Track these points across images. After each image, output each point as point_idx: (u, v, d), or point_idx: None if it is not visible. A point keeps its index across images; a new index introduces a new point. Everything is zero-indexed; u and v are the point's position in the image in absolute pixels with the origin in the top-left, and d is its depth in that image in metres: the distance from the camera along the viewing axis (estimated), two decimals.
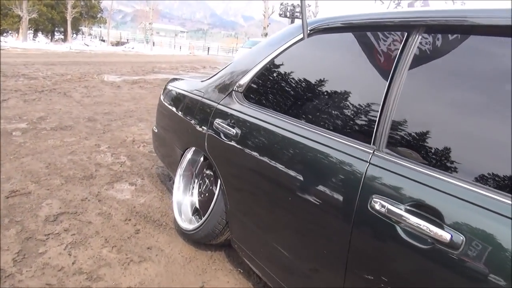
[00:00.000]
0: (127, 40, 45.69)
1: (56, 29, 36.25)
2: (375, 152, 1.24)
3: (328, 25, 1.70)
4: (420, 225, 1.04)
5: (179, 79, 2.98)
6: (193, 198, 2.44)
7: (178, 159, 2.50)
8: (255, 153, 1.72)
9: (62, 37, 34.73)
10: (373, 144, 1.27)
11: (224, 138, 1.92)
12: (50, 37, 35.35)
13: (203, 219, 2.10)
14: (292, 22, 49.33)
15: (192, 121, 2.29)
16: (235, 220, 1.93)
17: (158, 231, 2.40)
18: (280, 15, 48.91)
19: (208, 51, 43.88)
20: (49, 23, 33.59)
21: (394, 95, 1.26)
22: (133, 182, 3.13)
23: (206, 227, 2.07)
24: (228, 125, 1.92)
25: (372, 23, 1.51)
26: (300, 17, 1.69)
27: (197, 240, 2.22)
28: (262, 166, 1.68)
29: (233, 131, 1.86)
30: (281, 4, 48.29)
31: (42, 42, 29.73)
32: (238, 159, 1.85)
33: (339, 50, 1.69)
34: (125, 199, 2.79)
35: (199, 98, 2.32)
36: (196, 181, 2.46)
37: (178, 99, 2.67)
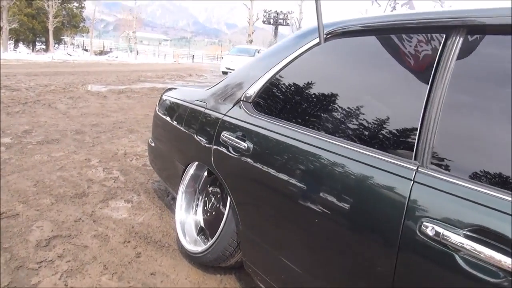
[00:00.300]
0: (111, 49, 45.15)
1: (38, 39, 35.59)
2: (419, 169, 1.10)
3: (346, 28, 1.57)
4: (486, 254, 0.90)
5: (175, 88, 2.83)
6: (197, 216, 2.27)
7: (179, 174, 2.33)
8: (270, 169, 1.57)
9: (44, 47, 34.13)
10: (415, 159, 1.14)
11: (234, 153, 1.77)
12: (31, 47, 34.70)
13: (212, 240, 1.94)
14: (276, 29, 49.59)
15: (195, 134, 2.13)
16: (248, 241, 1.77)
17: (161, 253, 2.22)
18: (263, 22, 49.12)
19: (193, 59, 43.68)
20: (30, 33, 32.97)
21: (438, 103, 1.13)
22: (128, 199, 2.95)
23: (215, 250, 1.91)
24: (237, 138, 1.77)
25: (399, 25, 1.38)
26: (316, 20, 1.55)
27: (205, 263, 2.05)
28: (279, 183, 1.53)
29: (244, 144, 1.71)
30: (265, 11, 48.54)
31: (23, 53, 29.14)
32: (251, 175, 1.69)
33: (361, 55, 1.56)
34: (122, 219, 2.61)
35: (202, 109, 2.17)
36: (200, 198, 2.29)
37: (176, 111, 2.51)
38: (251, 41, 37.78)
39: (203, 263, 2.06)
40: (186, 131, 2.24)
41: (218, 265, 2.01)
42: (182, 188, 2.30)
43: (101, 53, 38.93)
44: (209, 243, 1.96)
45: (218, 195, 2.12)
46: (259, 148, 1.66)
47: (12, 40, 32.62)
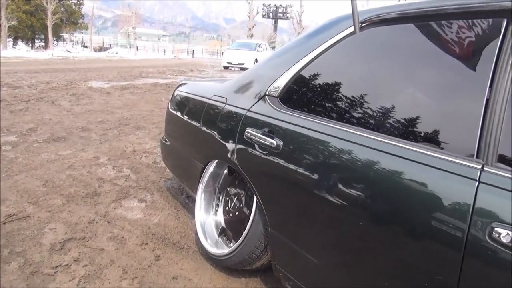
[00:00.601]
0: (110, 45, 44.91)
1: (37, 36, 35.37)
2: (484, 168, 1.00)
3: (383, 16, 1.47)
4: None
5: (188, 83, 2.72)
6: (218, 217, 2.17)
7: (197, 173, 2.23)
8: (303, 167, 1.47)
9: (43, 44, 33.91)
10: (477, 157, 1.03)
11: (261, 151, 1.67)
12: (30, 45, 34.45)
13: (238, 243, 1.84)
14: (276, 23, 49.37)
15: (215, 131, 2.03)
16: (278, 244, 1.68)
17: (181, 255, 2.13)
18: (263, 16, 48.91)
19: (193, 54, 43.46)
20: (29, 30, 32.73)
21: (503, 95, 1.03)
22: (142, 198, 2.85)
23: (241, 252, 1.81)
24: (264, 135, 1.67)
25: (444, 10, 1.27)
26: (350, 9, 1.44)
27: (229, 266, 1.96)
28: (313, 183, 1.43)
29: (272, 142, 1.60)
30: (264, 5, 48.30)
31: (22, 50, 28.91)
32: (281, 174, 1.59)
33: (403, 45, 1.45)
34: (137, 219, 2.51)
35: (222, 104, 2.06)
36: (220, 197, 2.19)
37: (192, 107, 2.40)
38: (251, 36, 37.57)
39: (227, 266, 1.97)
40: (205, 128, 2.14)
41: (243, 268, 1.91)
42: (201, 187, 2.20)
43: (101, 49, 38.70)
44: (234, 246, 1.86)
45: (242, 195, 2.02)
46: (290, 145, 1.55)
47: (11, 37, 32.41)
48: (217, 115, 2.06)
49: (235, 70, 20.51)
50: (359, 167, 1.28)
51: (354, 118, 1.43)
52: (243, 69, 20.58)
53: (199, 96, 2.36)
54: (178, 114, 2.56)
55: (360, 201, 1.25)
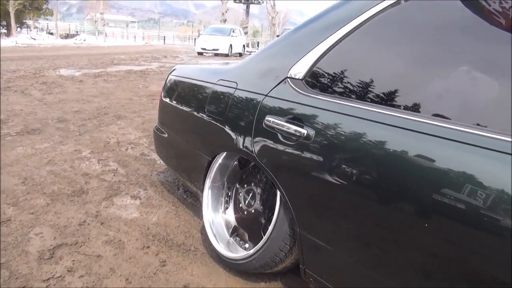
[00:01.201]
0: (77, 32, 43.08)
1: None
2: None
3: None
4: None
5: (183, 67, 2.47)
6: (228, 215, 1.96)
7: (202, 167, 2.00)
8: (342, 161, 1.28)
9: (5, 31, 32.16)
10: None
11: (286, 141, 1.46)
12: None
13: (259, 245, 1.63)
14: (247, 8, 48.69)
15: (224, 121, 1.81)
16: (309, 247, 1.48)
17: (189, 259, 1.91)
18: (235, 1, 48.09)
19: (164, 40, 42.41)
20: None
21: None
22: (135, 194, 2.60)
23: (263, 256, 1.61)
24: (288, 122, 1.46)
25: None
26: None
27: (247, 270, 1.76)
28: (355, 178, 1.24)
29: (300, 131, 1.40)
30: None
31: None
32: (313, 167, 1.39)
33: (453, 19, 1.25)
34: (133, 219, 2.27)
35: (231, 90, 1.84)
36: (229, 193, 1.98)
37: (194, 93, 2.17)
38: (225, 21, 36.89)
39: (244, 270, 1.77)
40: (211, 118, 1.91)
41: (263, 271, 1.72)
42: (208, 183, 1.97)
43: (67, 36, 37.04)
44: (255, 249, 1.65)
45: (258, 190, 1.81)
46: (325, 135, 1.35)
47: None
48: (226, 102, 1.83)
49: (209, 56, 20.07)
50: (407, 158, 1.09)
51: (403, 102, 1.23)
52: (217, 54, 20.17)
53: (201, 81, 2.12)
54: (175, 102, 2.31)
55: (414, 197, 1.07)
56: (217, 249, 1.85)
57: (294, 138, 1.43)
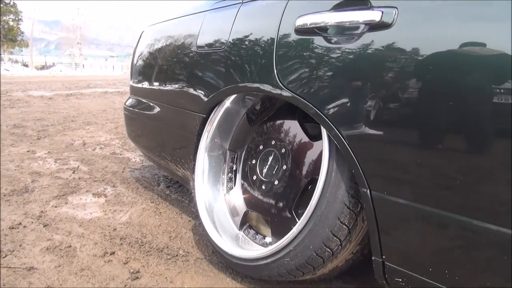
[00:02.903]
0: (54, 63, 42.07)
1: None
2: None
3: None
4: None
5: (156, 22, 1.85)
6: (234, 197, 1.30)
7: (193, 131, 1.35)
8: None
9: None
10: None
11: (336, 44, 0.85)
12: None
13: (294, 231, 0.96)
14: None
15: (228, 51, 1.18)
16: (390, 217, 0.83)
17: (177, 268, 1.22)
18: None
19: None
20: None
21: None
22: (99, 192, 1.91)
23: (302, 248, 0.94)
24: (341, 10, 0.85)
25: None
26: None
27: (271, 276, 1.07)
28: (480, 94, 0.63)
29: (366, 15, 0.79)
30: None
31: None
32: (395, 78, 0.76)
33: None
34: (93, 219, 1.57)
35: (235, 7, 1.24)
36: (235, 166, 1.33)
37: (178, 33, 1.55)
38: None
39: (267, 277, 1.08)
40: (206, 53, 1.29)
41: (297, 278, 1.04)
42: (203, 147, 1.31)
43: (43, 67, 36.14)
44: (287, 238, 0.98)
45: (283, 149, 1.16)
46: (418, 9, 0.74)
47: None
48: (230, 20, 1.22)
49: None
50: None
51: None
52: None
53: (187, 15, 1.51)
54: (152, 56, 1.68)
55: None
56: (220, 246, 1.16)
57: (356, 31, 0.82)
